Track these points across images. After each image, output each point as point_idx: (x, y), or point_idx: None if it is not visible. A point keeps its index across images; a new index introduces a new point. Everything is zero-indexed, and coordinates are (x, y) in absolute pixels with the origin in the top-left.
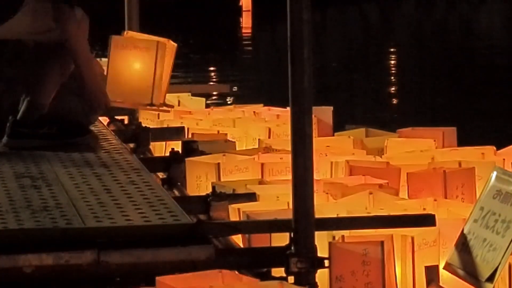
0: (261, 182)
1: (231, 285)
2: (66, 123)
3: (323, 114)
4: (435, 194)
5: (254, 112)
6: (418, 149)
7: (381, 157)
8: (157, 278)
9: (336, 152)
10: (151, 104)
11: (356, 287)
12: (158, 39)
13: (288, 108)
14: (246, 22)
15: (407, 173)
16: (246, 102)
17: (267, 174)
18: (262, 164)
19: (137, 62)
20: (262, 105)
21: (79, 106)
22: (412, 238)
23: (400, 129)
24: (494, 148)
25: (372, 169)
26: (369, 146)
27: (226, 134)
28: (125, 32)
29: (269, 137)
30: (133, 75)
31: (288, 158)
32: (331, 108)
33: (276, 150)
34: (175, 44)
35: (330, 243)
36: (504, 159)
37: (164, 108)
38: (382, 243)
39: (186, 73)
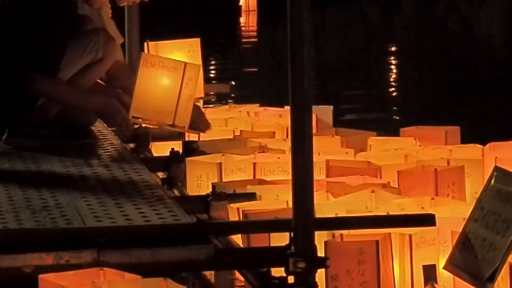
0: (260, 182)
1: (114, 282)
2: (67, 126)
3: (323, 113)
4: (425, 193)
5: (248, 112)
6: (401, 147)
7: (354, 155)
8: (39, 276)
9: (329, 152)
10: (173, 125)
11: (351, 286)
12: (187, 61)
13: (286, 108)
14: (251, 22)
15: (397, 171)
16: (246, 102)
17: (264, 174)
18: (259, 164)
19: (163, 81)
20: (258, 105)
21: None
22: (410, 237)
23: (403, 128)
24: (481, 146)
25: (352, 169)
26: (351, 146)
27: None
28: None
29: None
30: (158, 94)
31: (285, 157)
32: (331, 107)
33: (271, 149)
34: (200, 65)
35: (325, 242)
36: (483, 155)
37: (191, 131)
38: (377, 242)
39: None
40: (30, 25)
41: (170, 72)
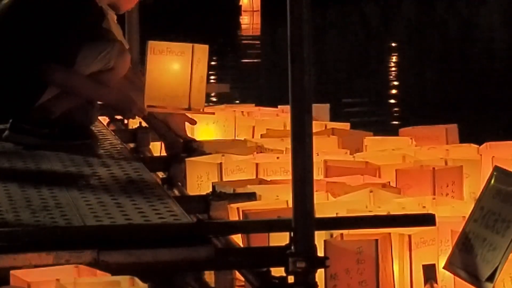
0: (261, 182)
1: (80, 279)
2: (68, 126)
3: (320, 112)
4: (423, 192)
5: (242, 112)
6: (398, 147)
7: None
8: (11, 272)
9: (328, 152)
10: (189, 108)
11: (350, 285)
12: (193, 44)
13: (279, 107)
14: (255, 22)
15: (395, 170)
16: (246, 102)
17: (266, 175)
18: (261, 165)
19: (173, 66)
20: (253, 105)
21: (81, 108)
22: (410, 237)
23: (402, 128)
24: (477, 146)
25: (350, 169)
26: (347, 145)
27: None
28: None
29: (253, 137)
30: (170, 80)
31: (284, 157)
32: (328, 105)
33: (269, 149)
34: (207, 46)
35: (325, 241)
36: (481, 155)
37: (207, 111)
38: (376, 241)
39: None
40: (53, 21)
41: (178, 56)
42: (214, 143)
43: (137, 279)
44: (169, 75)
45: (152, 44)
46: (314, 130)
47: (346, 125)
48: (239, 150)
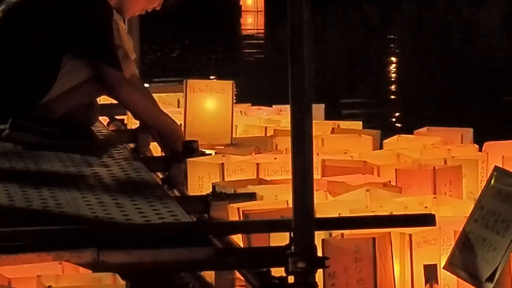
0: (261, 182)
1: (61, 276)
2: (68, 125)
3: (315, 112)
4: (423, 191)
5: (240, 111)
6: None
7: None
8: None
9: (328, 152)
10: (231, 144)
11: (348, 283)
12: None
13: (274, 107)
14: (259, 22)
15: (395, 169)
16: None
17: (267, 175)
18: (262, 165)
19: (214, 104)
20: (250, 104)
21: (81, 108)
22: (410, 236)
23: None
24: (477, 146)
25: (347, 169)
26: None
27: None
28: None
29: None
30: (211, 117)
31: (283, 157)
32: (323, 105)
33: (267, 150)
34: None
35: (323, 240)
36: (487, 153)
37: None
38: (374, 240)
39: (183, 75)
40: (57, 20)
41: (219, 93)
42: (248, 140)
43: (118, 276)
44: (210, 112)
45: (191, 82)
46: (327, 129)
47: (358, 124)
48: (237, 150)
